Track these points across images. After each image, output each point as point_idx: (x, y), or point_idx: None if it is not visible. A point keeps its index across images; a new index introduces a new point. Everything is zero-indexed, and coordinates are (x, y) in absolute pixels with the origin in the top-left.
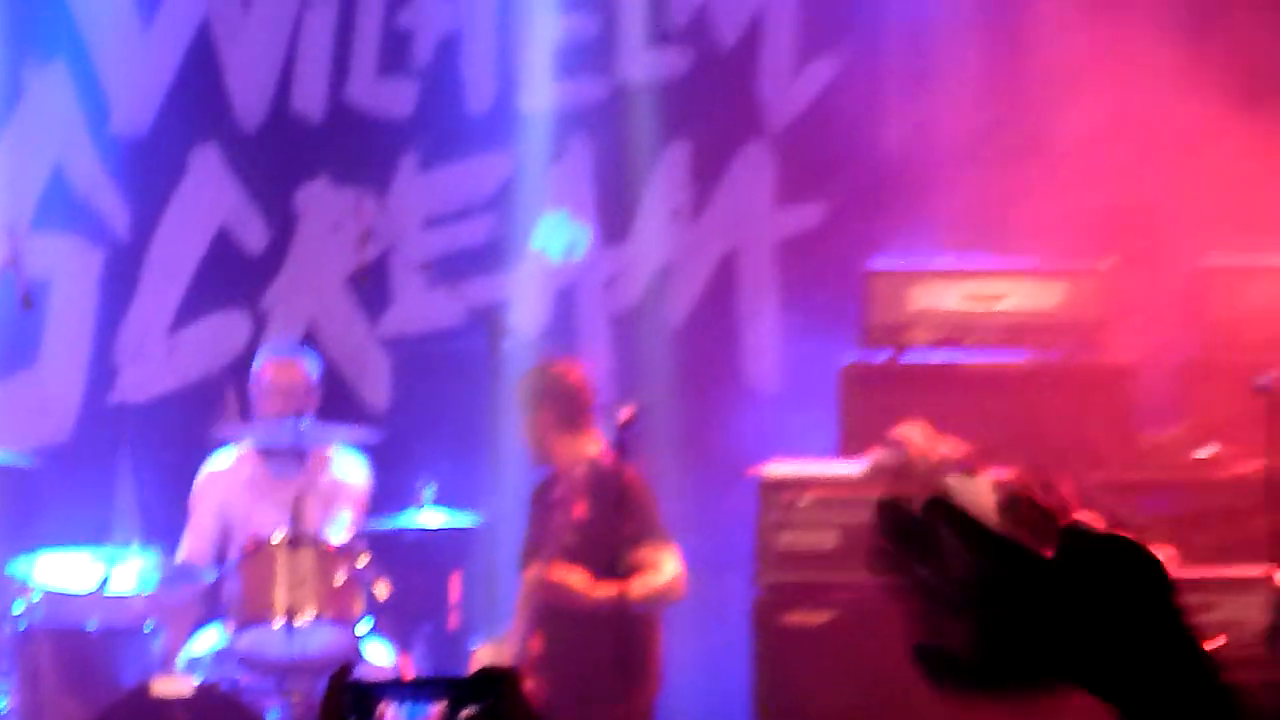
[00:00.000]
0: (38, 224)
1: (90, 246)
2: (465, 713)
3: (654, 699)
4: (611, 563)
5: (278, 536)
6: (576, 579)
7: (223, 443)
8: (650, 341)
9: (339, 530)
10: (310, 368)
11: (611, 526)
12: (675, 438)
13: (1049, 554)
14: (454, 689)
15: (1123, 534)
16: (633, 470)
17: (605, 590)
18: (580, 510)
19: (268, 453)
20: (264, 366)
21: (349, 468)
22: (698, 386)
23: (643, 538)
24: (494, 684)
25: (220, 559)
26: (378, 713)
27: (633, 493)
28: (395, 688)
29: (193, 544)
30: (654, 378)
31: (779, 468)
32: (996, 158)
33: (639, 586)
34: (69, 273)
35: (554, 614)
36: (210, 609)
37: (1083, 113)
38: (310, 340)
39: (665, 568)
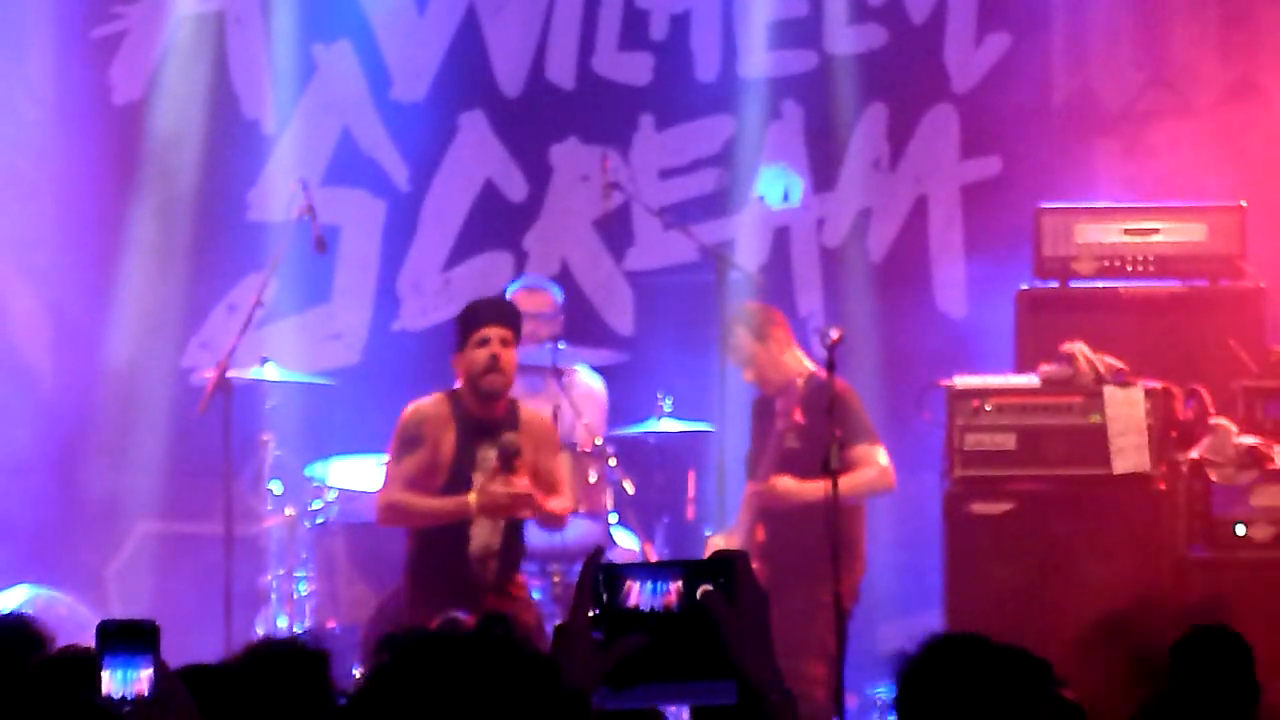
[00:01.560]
0: (329, 179)
1: (374, 198)
2: (702, 588)
3: (860, 579)
4: (826, 460)
5: None
6: (792, 484)
7: None
8: (855, 274)
9: (588, 437)
10: (556, 295)
11: (825, 429)
12: (877, 356)
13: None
14: (691, 569)
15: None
16: (842, 382)
17: (818, 488)
18: (799, 417)
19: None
20: (515, 294)
21: (591, 383)
22: (896, 312)
23: (853, 439)
24: (726, 565)
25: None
26: (625, 589)
27: (843, 400)
28: (639, 568)
29: None
30: (858, 305)
31: (966, 380)
32: (1147, 114)
33: (849, 481)
34: (356, 221)
35: (775, 510)
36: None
37: (1218, 75)
38: (564, 276)
39: (876, 462)
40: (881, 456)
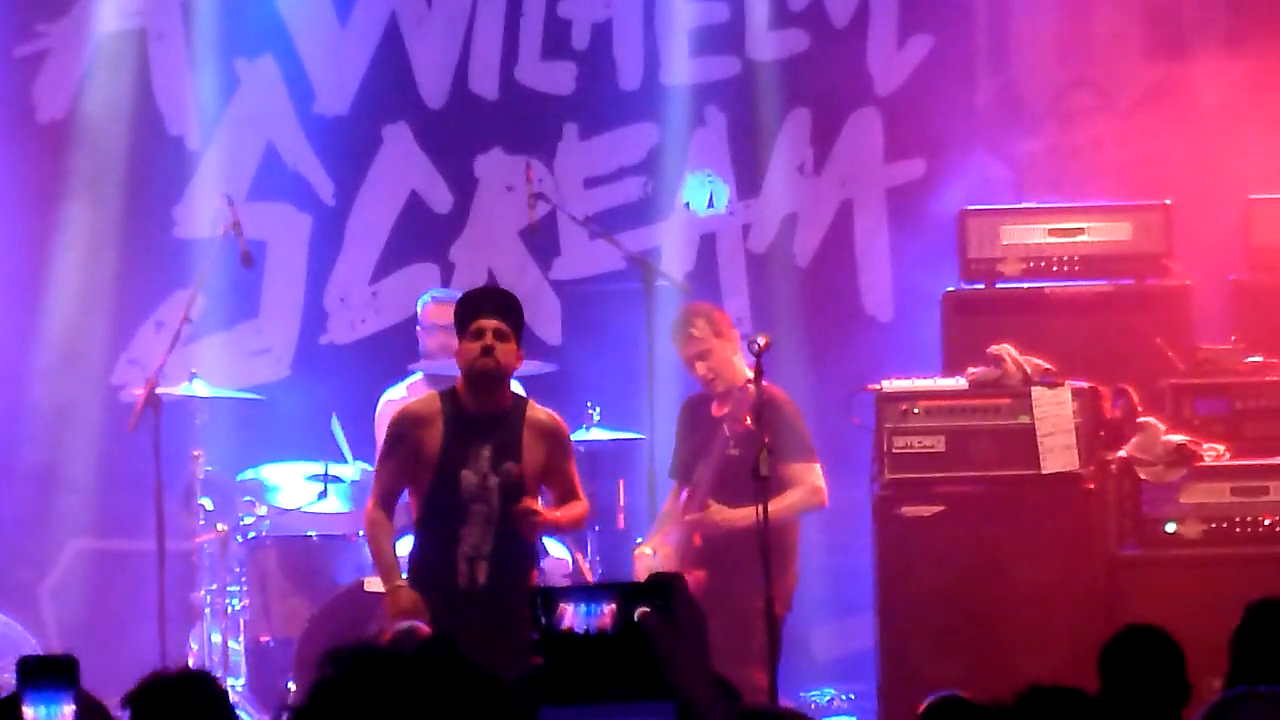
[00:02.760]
0: (254, 194)
1: (300, 212)
2: (638, 610)
3: (793, 587)
4: (755, 467)
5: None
6: (727, 512)
7: (406, 374)
8: (781, 279)
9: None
10: None
11: (757, 438)
12: (805, 361)
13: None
14: (626, 591)
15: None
16: (781, 393)
17: (750, 515)
18: (750, 422)
19: (435, 381)
20: (426, 308)
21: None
22: (823, 316)
23: (789, 455)
24: (662, 587)
25: None
26: (559, 612)
27: (779, 410)
28: (574, 591)
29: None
30: (785, 310)
31: (894, 383)
32: (1071, 113)
33: (782, 503)
34: (283, 235)
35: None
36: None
37: (1142, 74)
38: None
39: (807, 482)
40: (816, 476)
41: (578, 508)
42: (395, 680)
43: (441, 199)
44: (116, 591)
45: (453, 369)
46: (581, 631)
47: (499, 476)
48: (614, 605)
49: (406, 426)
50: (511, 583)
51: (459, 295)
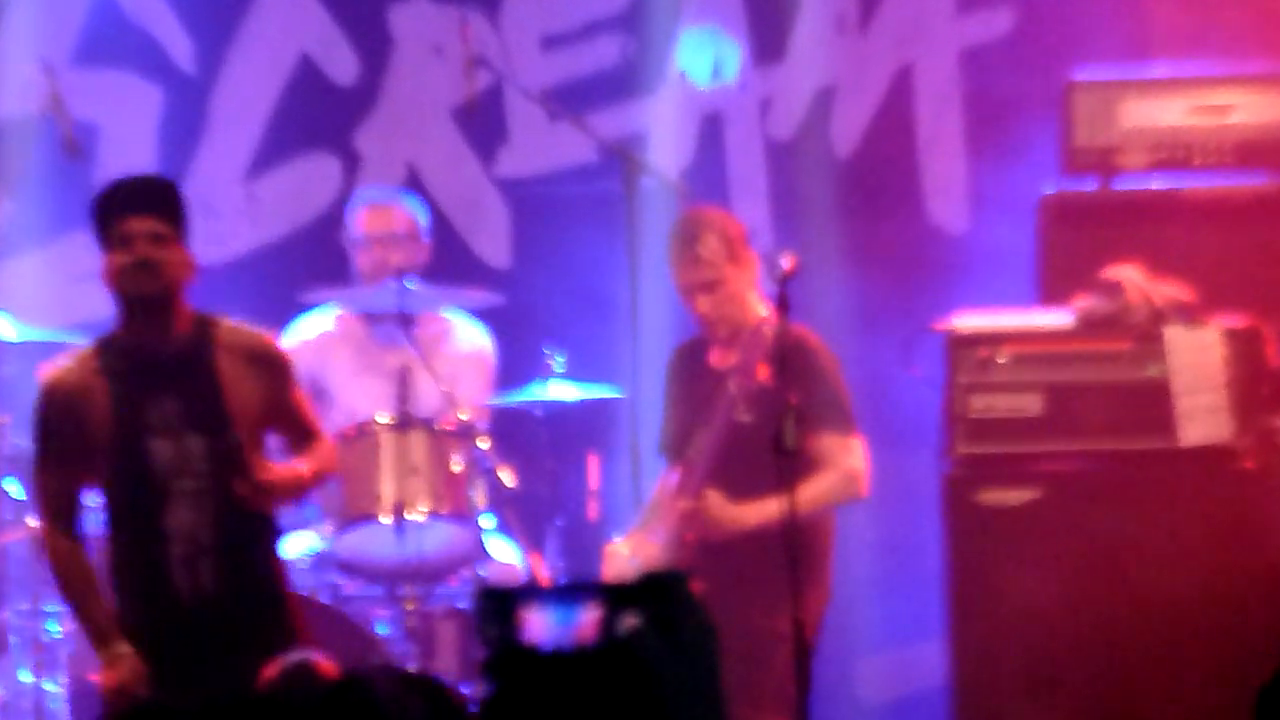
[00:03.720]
0: (82, 59)
1: (146, 83)
2: (627, 621)
3: (825, 603)
4: (778, 438)
5: (383, 417)
6: (732, 510)
7: (311, 307)
8: (814, 176)
9: (457, 409)
10: (415, 213)
11: (781, 400)
12: (846, 290)
13: None
14: (613, 595)
15: None
16: (811, 335)
17: (767, 511)
18: (763, 375)
19: (369, 318)
20: (357, 214)
21: (469, 336)
22: (870, 228)
23: (822, 422)
24: (661, 590)
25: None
26: (519, 621)
27: (811, 360)
28: (541, 593)
29: None
30: (819, 218)
31: (970, 320)
32: None
33: (809, 493)
34: (122, 115)
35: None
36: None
37: None
38: (412, 186)
39: (843, 463)
40: (855, 454)
41: (322, 449)
42: None
43: (343, 66)
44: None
45: (370, 302)
46: (549, 649)
47: (208, 438)
48: (595, 613)
49: (55, 408)
50: (252, 578)
51: (402, 197)
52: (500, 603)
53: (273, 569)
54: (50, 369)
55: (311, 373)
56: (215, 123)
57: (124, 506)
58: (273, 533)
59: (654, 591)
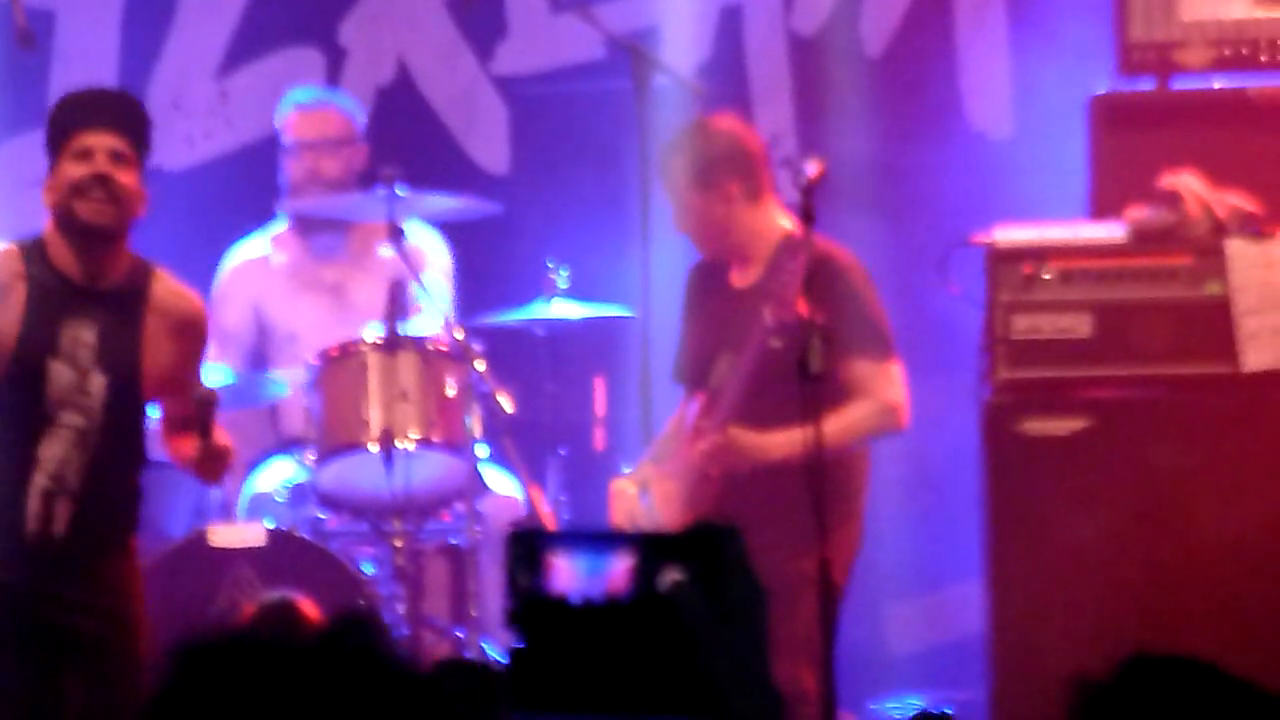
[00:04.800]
0: None
1: None
2: (670, 576)
3: (857, 544)
4: (802, 360)
5: (370, 337)
6: (756, 442)
7: (268, 219)
8: (841, 75)
9: (437, 327)
10: (350, 112)
11: (806, 320)
12: (876, 198)
13: None
14: (651, 545)
15: None
16: (840, 250)
17: (793, 441)
18: (802, 307)
19: (305, 231)
20: (288, 117)
21: (425, 243)
22: (903, 130)
23: (855, 345)
24: (706, 542)
25: (257, 367)
26: (548, 567)
27: (842, 277)
28: (573, 538)
29: (223, 350)
30: (848, 120)
31: (1013, 233)
32: None
33: (842, 423)
34: (80, 2)
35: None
36: (275, 434)
37: None
38: (402, 84)
39: (879, 391)
40: (893, 381)
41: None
42: (282, 687)
43: None
44: None
45: (356, 210)
46: (580, 600)
47: (111, 380)
48: (631, 562)
49: None
50: (105, 536)
51: (334, 97)
52: (528, 547)
53: (129, 530)
54: None
55: (252, 300)
56: (184, 12)
57: (6, 419)
58: (135, 497)
59: (701, 545)
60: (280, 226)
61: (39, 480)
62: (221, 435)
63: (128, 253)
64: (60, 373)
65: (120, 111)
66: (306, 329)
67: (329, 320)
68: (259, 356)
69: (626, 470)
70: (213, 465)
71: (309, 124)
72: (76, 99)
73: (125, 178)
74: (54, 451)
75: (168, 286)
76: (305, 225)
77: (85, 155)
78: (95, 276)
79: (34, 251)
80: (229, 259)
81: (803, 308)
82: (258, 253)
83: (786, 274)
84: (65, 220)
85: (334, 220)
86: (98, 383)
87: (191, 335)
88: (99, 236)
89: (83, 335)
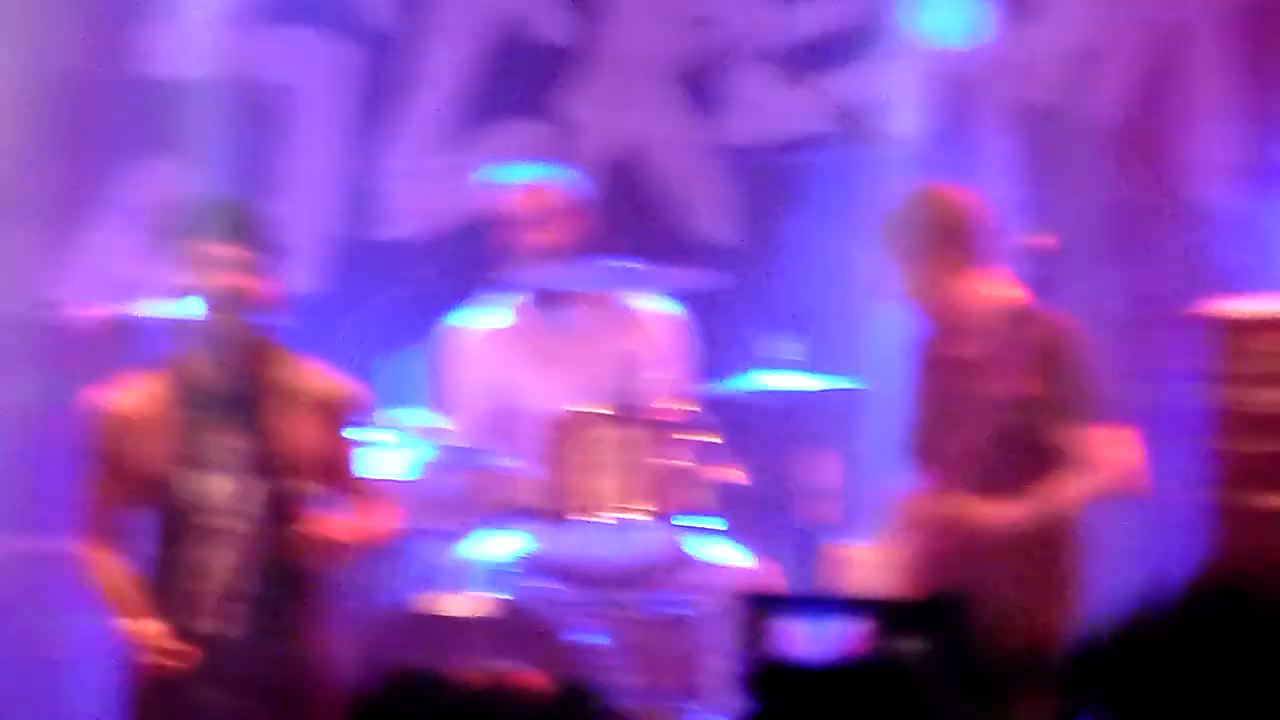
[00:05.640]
0: (271, 15)
1: (342, 41)
2: (906, 643)
3: (1079, 613)
4: (1031, 437)
5: (600, 409)
6: (982, 510)
7: (502, 290)
8: (1071, 149)
9: (670, 399)
10: (573, 187)
11: (1035, 391)
12: (1105, 271)
13: None
14: (886, 611)
15: None
16: (1062, 318)
17: (1023, 512)
18: (1035, 386)
19: (548, 305)
20: (509, 196)
21: (667, 318)
22: (1135, 200)
23: (1081, 412)
24: (941, 611)
25: (497, 438)
26: (782, 632)
27: (1067, 349)
28: (805, 603)
29: (457, 418)
30: (1077, 194)
31: (1246, 304)
32: None
33: (1071, 494)
34: (315, 76)
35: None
36: (502, 504)
37: None
38: (631, 156)
39: (1108, 457)
40: (1121, 447)
41: (382, 507)
42: None
43: (555, 24)
44: (61, 615)
45: (583, 282)
46: (813, 664)
47: (265, 481)
48: (866, 628)
49: (112, 435)
50: (279, 629)
51: (555, 174)
52: (761, 612)
53: (306, 628)
54: (111, 393)
55: (488, 371)
56: (416, 86)
57: (174, 538)
58: (315, 589)
59: (937, 614)
60: (519, 298)
61: (212, 588)
62: (322, 523)
63: (268, 347)
64: (217, 483)
65: (237, 221)
66: (546, 401)
67: (569, 392)
68: (495, 426)
69: (856, 542)
70: (326, 553)
71: (533, 199)
72: (197, 210)
73: (249, 284)
74: (221, 559)
75: (310, 373)
76: (546, 298)
77: (208, 265)
78: (236, 380)
79: (175, 367)
80: (466, 328)
81: (1026, 381)
82: (495, 323)
83: (1010, 346)
84: (200, 331)
85: (574, 294)
86: (252, 486)
87: (336, 415)
88: (236, 346)
89: (233, 442)
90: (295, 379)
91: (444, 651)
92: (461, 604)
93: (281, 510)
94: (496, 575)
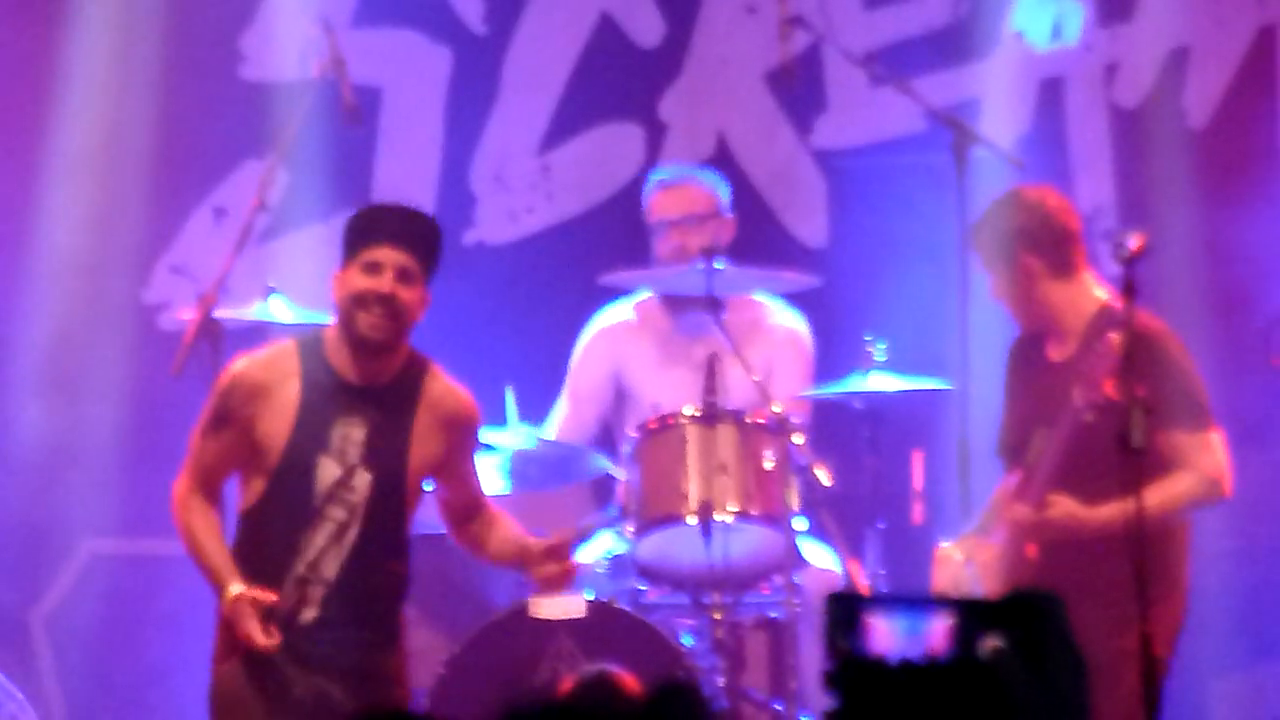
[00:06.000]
0: (363, 17)
1: (434, 44)
2: (989, 643)
3: (1181, 618)
4: (1124, 434)
5: (689, 409)
6: (1077, 509)
7: (612, 294)
8: (1164, 148)
9: (770, 402)
10: (714, 189)
11: (1126, 394)
12: (1200, 274)
13: None
14: (970, 610)
15: None
16: (1155, 321)
17: (1113, 514)
18: (1111, 389)
19: (673, 306)
20: (652, 197)
21: (784, 321)
22: (1227, 205)
23: (1173, 418)
24: (1029, 610)
25: (608, 440)
26: (867, 628)
27: (1158, 349)
28: (890, 601)
29: (572, 420)
30: (1170, 195)
31: None
32: None
33: (1163, 494)
34: (408, 78)
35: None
36: (602, 505)
37: None
38: (720, 157)
39: (1200, 461)
40: (1215, 451)
41: (510, 527)
42: None
43: (648, 26)
44: (152, 615)
45: (676, 284)
46: (898, 661)
47: (376, 478)
48: (951, 626)
49: (238, 400)
50: (358, 623)
51: (698, 174)
52: (847, 610)
53: (389, 619)
54: (248, 358)
55: (613, 367)
56: (507, 88)
57: (268, 511)
58: (400, 587)
59: (1022, 612)
60: (644, 296)
61: (297, 568)
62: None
63: (405, 350)
64: (328, 468)
65: (414, 230)
66: (670, 401)
67: (693, 395)
68: (614, 422)
69: (947, 543)
70: (557, 581)
71: (672, 201)
72: (374, 211)
73: (408, 295)
74: (315, 542)
75: (441, 384)
76: (674, 300)
77: (374, 269)
78: (369, 377)
79: (311, 348)
80: (592, 325)
81: (1111, 386)
82: (621, 318)
83: (1097, 350)
84: (345, 324)
85: (698, 296)
86: (363, 479)
87: (463, 430)
88: (374, 348)
89: (353, 433)
90: (428, 388)
91: (539, 653)
92: (555, 606)
93: (385, 506)
94: (589, 577)
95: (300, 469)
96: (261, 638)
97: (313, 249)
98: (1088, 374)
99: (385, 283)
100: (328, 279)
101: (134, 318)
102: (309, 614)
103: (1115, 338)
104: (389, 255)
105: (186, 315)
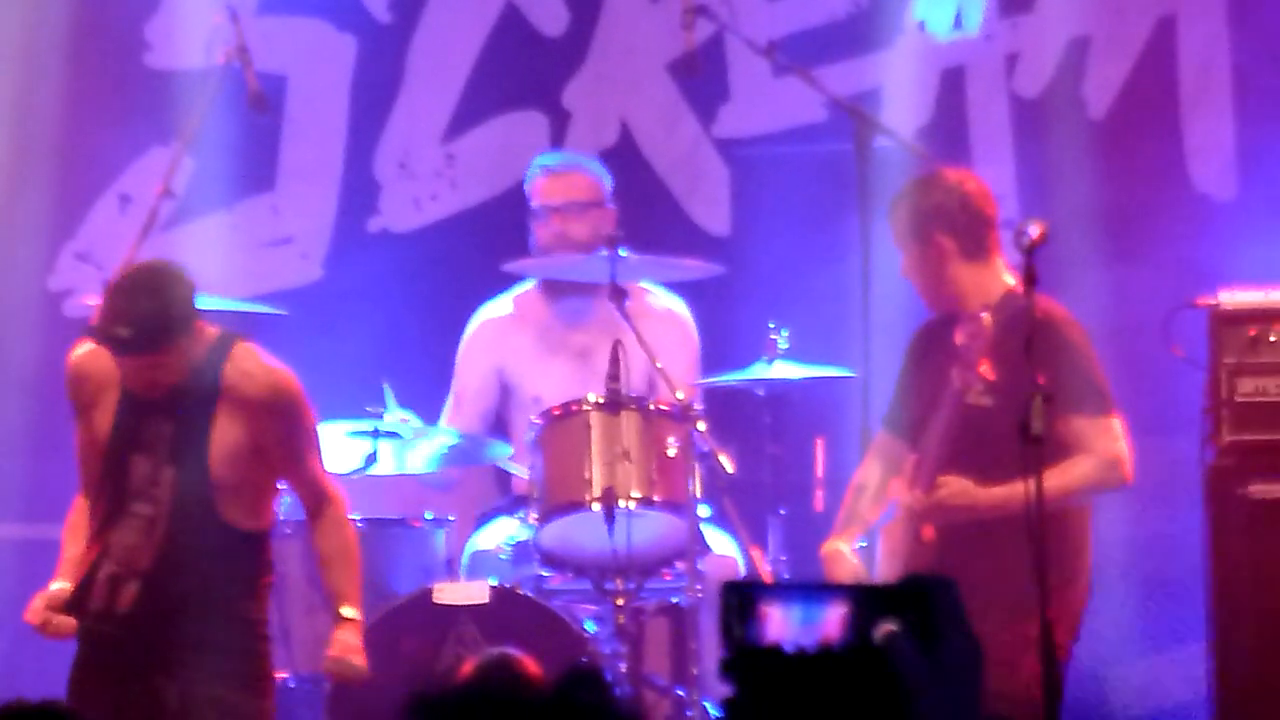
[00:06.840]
0: (270, 5)
1: (339, 33)
2: (883, 627)
3: (1082, 605)
4: (1024, 423)
5: (592, 397)
6: (970, 490)
7: (511, 279)
8: (1065, 137)
9: (667, 389)
10: (598, 177)
11: (1027, 379)
12: (1098, 261)
13: None
14: (864, 596)
15: None
16: (1057, 307)
17: (1010, 494)
18: (988, 371)
19: (551, 295)
20: (535, 182)
21: (671, 310)
22: (1126, 194)
23: (1073, 403)
24: (921, 596)
25: (497, 429)
26: (762, 617)
27: (1059, 335)
28: (785, 590)
29: (458, 417)
30: (1070, 184)
31: (1237, 295)
32: None
33: (1062, 479)
34: (313, 66)
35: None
36: (502, 493)
37: None
38: (624, 147)
39: (1100, 447)
40: (1115, 437)
41: (338, 530)
42: None
43: (551, 15)
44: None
45: (579, 271)
46: (793, 649)
47: (179, 471)
48: (845, 613)
49: (72, 390)
50: (175, 613)
51: (583, 162)
52: (743, 599)
53: (204, 607)
54: (83, 349)
55: (495, 363)
56: (412, 76)
57: (95, 507)
58: (215, 573)
59: (915, 598)
60: (525, 287)
61: (107, 566)
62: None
63: (204, 339)
64: (139, 465)
65: (136, 336)
66: (552, 392)
67: (574, 384)
68: (500, 417)
69: (832, 541)
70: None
71: (556, 187)
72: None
73: (168, 372)
74: (124, 539)
75: (241, 368)
76: (553, 289)
77: (127, 374)
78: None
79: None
80: (472, 321)
81: (987, 366)
82: (502, 313)
83: (1004, 333)
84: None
85: (582, 284)
86: (167, 474)
87: (271, 412)
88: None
89: (162, 428)
90: (228, 373)
91: (442, 639)
92: (458, 592)
93: (191, 500)
94: (491, 563)
95: (116, 466)
96: (38, 623)
97: (218, 236)
98: (963, 354)
99: (143, 384)
100: (232, 266)
101: (39, 304)
102: (124, 607)
103: (987, 318)
104: (131, 364)
105: (91, 302)
